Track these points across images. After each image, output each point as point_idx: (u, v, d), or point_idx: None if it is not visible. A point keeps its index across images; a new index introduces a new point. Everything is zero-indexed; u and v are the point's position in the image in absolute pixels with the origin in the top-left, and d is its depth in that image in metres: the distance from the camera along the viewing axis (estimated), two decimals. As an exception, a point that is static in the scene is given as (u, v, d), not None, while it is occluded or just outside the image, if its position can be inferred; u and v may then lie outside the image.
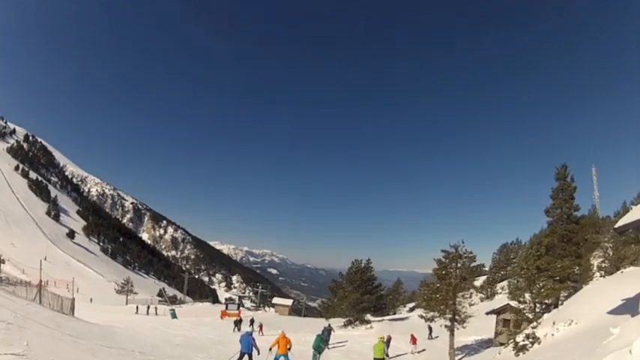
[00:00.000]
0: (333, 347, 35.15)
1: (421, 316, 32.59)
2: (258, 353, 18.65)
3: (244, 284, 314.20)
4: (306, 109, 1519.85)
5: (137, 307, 67.84)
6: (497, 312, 36.96)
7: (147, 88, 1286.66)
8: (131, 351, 18.74)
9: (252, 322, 46.90)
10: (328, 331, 35.84)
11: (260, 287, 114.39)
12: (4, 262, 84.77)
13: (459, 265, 30.75)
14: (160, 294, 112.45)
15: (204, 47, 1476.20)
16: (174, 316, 58.69)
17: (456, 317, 30.63)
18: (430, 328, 42.37)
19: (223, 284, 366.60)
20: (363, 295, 52.14)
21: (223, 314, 61.49)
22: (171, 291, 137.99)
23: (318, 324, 55.68)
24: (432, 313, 31.40)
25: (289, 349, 20.36)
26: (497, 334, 37.16)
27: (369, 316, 54.83)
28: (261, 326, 44.82)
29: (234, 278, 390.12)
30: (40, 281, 56.79)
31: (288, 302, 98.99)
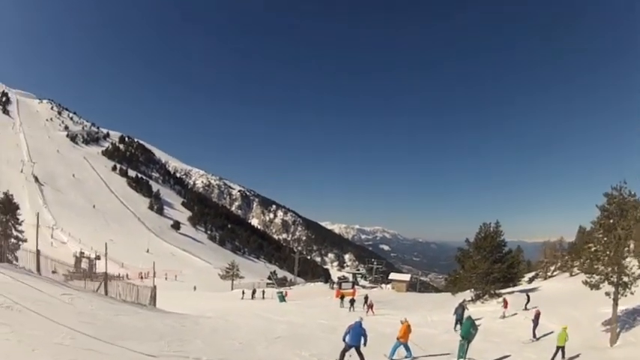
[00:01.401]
0: None
1: (585, 282, 25.06)
2: (365, 344, 15.74)
3: (357, 262, 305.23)
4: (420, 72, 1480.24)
5: (243, 292, 62.79)
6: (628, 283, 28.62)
7: (238, 70, 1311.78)
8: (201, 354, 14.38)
9: (365, 301, 42.63)
10: (462, 308, 29.97)
11: (375, 263, 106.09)
12: (99, 259, 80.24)
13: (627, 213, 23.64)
14: (270, 277, 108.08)
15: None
16: (282, 299, 54.17)
17: (624, 281, 23.64)
18: (528, 297, 36.99)
19: (336, 263, 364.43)
20: (493, 264, 44.57)
21: (338, 293, 55.48)
22: (282, 274, 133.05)
23: (442, 300, 50.50)
24: (597, 277, 24.20)
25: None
26: None
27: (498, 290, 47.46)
28: (371, 305, 40.14)
29: (347, 257, 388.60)
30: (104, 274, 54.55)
31: (406, 277, 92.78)
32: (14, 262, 30.22)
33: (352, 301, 43.24)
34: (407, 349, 18.20)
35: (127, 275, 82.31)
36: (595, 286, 24.48)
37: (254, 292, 62.89)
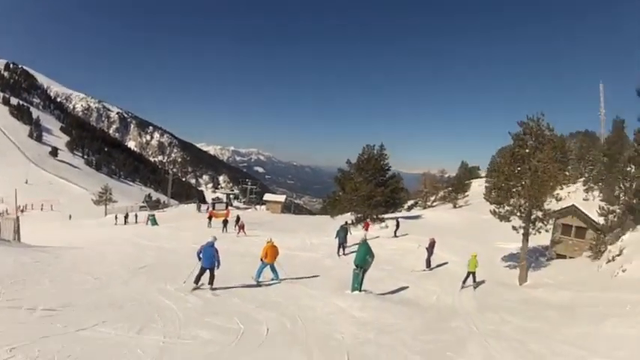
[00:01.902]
0: (352, 252, 26.74)
1: (494, 213, 24.78)
2: (218, 267, 15.20)
3: (232, 184, 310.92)
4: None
5: (116, 217, 60.43)
6: (556, 215, 28.09)
7: None
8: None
9: (236, 222, 41.27)
10: (345, 231, 28.61)
11: (249, 184, 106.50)
12: None
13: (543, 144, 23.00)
14: (147, 200, 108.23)
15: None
16: (154, 222, 51.79)
17: (537, 215, 23.47)
18: (397, 223, 37.03)
19: (210, 185, 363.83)
20: (376, 188, 44.00)
21: (211, 215, 53.76)
22: (158, 197, 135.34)
23: (320, 223, 50.00)
24: (508, 209, 23.89)
25: (275, 258, 17.83)
26: (553, 242, 30.21)
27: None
28: (242, 226, 39.08)
29: (221, 178, 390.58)
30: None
31: (281, 198, 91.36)
32: None
33: (225, 222, 42.60)
34: (273, 270, 17.73)
35: (7, 210, 77.74)
36: (505, 218, 23.83)
37: (126, 216, 60.06)
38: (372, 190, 43.45)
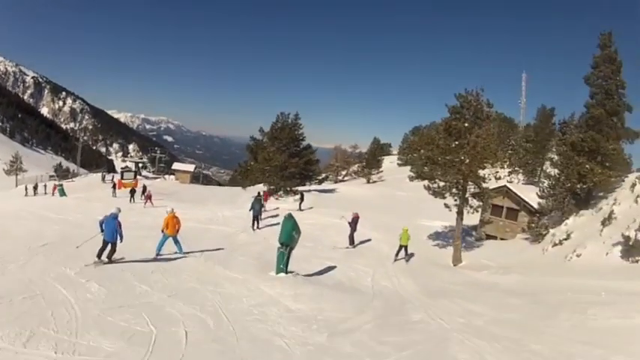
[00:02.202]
0: (266, 226, 26.05)
1: (428, 188, 23.65)
2: (121, 240, 14.13)
3: (141, 153, 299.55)
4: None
5: (26, 188, 56.22)
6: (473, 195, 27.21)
7: None
8: None
9: (142, 191, 41.92)
10: (260, 202, 27.25)
11: (158, 152, 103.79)
12: None
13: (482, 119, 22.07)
14: (57, 170, 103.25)
15: None
16: (62, 193, 47.78)
17: (472, 192, 22.85)
18: (302, 196, 37.08)
19: (120, 154, 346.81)
20: (290, 158, 42.81)
21: (119, 185, 53.29)
22: (67, 166, 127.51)
23: (231, 195, 48.16)
24: (443, 184, 22.80)
25: (178, 230, 16.60)
26: (483, 222, 29.89)
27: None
28: (149, 196, 38.63)
29: (131, 147, 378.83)
30: None
31: (190, 168, 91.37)
32: None
33: (132, 192, 41.48)
34: (176, 242, 16.53)
35: None
36: (439, 194, 22.65)
37: (36, 187, 56.07)
38: (285, 161, 42.13)
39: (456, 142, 21.79)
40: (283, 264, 14.07)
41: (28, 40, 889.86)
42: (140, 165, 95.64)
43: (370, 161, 76.60)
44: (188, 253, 16.59)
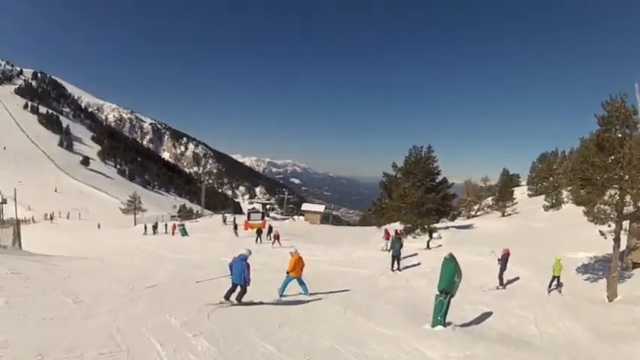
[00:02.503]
0: (406, 267, 23.70)
1: (587, 213, 20.03)
2: (248, 284, 12.82)
3: (268, 195, 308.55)
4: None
5: (145, 227, 55.94)
6: (631, 217, 23.41)
7: (149, 9, 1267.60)
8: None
9: (268, 231, 40.39)
10: (400, 241, 24.19)
11: (286, 193, 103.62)
12: (5, 202, 74.16)
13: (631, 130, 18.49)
14: (180, 210, 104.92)
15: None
16: (183, 232, 47.51)
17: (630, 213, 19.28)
18: (431, 233, 35.13)
19: (247, 196, 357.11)
20: (426, 194, 39.48)
21: (246, 226, 52.44)
22: (192, 207, 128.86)
23: (364, 234, 45.25)
24: (605, 208, 19.12)
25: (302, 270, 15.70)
26: (630, 249, 24.90)
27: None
28: (277, 236, 36.07)
29: (258, 190, 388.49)
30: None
31: (320, 208, 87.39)
32: None
33: (259, 232, 39.85)
34: (301, 283, 15.75)
35: (33, 218, 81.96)
36: (601, 220, 19.22)
37: (155, 226, 56.07)
38: (422, 197, 39.01)
39: (612, 157, 18.45)
40: (441, 315, 11.83)
41: (144, 89, 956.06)
42: (267, 206, 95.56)
43: (503, 193, 73.63)
44: (313, 294, 15.44)
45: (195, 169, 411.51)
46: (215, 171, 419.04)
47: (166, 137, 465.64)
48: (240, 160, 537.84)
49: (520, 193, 78.90)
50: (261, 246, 34.74)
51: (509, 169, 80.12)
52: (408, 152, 41.57)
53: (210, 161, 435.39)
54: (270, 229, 40.90)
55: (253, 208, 78.73)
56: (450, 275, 11.99)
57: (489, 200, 78.33)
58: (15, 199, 73.07)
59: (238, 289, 12.77)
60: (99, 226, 75.13)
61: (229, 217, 71.16)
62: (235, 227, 47.82)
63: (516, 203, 68.17)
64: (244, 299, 12.90)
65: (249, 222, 55.34)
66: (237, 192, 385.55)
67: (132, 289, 13.83)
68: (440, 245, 32.21)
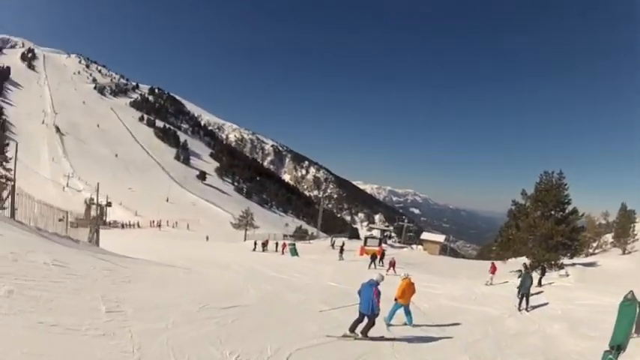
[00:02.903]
0: (533, 308, 20.12)
1: None
2: (377, 315, 10.97)
3: (387, 223, 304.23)
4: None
5: (255, 243, 54.11)
6: None
7: (273, 33, 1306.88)
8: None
9: (380, 257, 38.89)
10: (530, 277, 20.83)
11: (406, 221, 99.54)
12: (109, 205, 78.99)
13: None
14: (296, 231, 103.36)
15: None
16: (293, 252, 47.22)
17: None
18: (544, 270, 29.48)
19: (365, 223, 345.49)
20: (556, 225, 35.15)
21: (362, 251, 51.23)
22: (307, 229, 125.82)
23: (485, 268, 39.09)
24: None
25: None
26: None
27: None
28: (393, 263, 34.62)
29: (377, 217, 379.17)
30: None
31: (440, 238, 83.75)
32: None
33: (373, 258, 37.77)
34: (407, 313, 14.46)
35: (139, 223, 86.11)
36: None
37: (265, 243, 54.18)
38: (552, 228, 34.89)
39: None
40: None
41: (266, 112, 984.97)
42: (386, 233, 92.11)
43: (624, 229, 67.11)
44: (436, 338, 12.93)
45: (316, 192, 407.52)
46: (335, 196, 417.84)
47: (287, 160, 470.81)
48: (362, 186, 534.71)
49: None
50: (372, 271, 31.79)
51: (626, 204, 75.72)
52: (538, 178, 37.74)
53: (331, 186, 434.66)
54: (383, 254, 39.81)
55: (371, 235, 77.19)
56: (627, 324, 9.32)
57: (609, 237, 72.72)
58: (107, 203, 75.12)
59: (365, 320, 11.18)
60: (207, 238, 74.63)
61: (338, 240, 68.94)
62: (341, 251, 46.40)
63: (637, 240, 64.07)
64: (371, 334, 11.25)
65: (366, 247, 53.36)
66: (356, 218, 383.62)
67: (202, 306, 11.53)
68: (567, 283, 28.76)
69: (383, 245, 58.56)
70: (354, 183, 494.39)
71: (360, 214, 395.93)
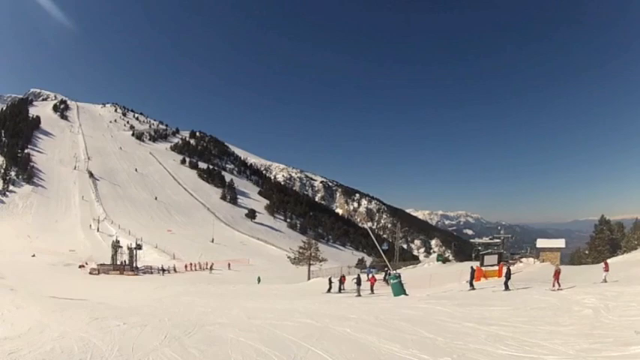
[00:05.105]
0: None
1: None
2: None
3: (443, 248, 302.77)
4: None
5: (330, 281, 37.24)
6: None
7: (314, 66, 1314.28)
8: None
9: (508, 275, 27.27)
10: None
11: (502, 232, 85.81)
12: (139, 248, 74.60)
13: None
14: (358, 263, 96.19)
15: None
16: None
17: None
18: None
19: (422, 250, 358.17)
20: None
21: (479, 274, 34.79)
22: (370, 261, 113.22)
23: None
24: None
25: None
26: None
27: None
28: (557, 273, 24.97)
29: (433, 242, 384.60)
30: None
31: (559, 243, 68.56)
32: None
33: (508, 276, 27.13)
34: None
35: (175, 267, 75.22)
36: None
37: (342, 279, 37.38)
38: None
39: None
40: None
41: (314, 151, 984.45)
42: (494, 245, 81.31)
43: None
44: None
45: (370, 224, 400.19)
46: (389, 225, 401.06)
47: (338, 194, 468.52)
48: (414, 214, 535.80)
49: None
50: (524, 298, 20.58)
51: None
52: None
53: (385, 216, 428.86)
54: (509, 274, 27.21)
55: (486, 247, 58.63)
56: None
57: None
58: (137, 245, 72.95)
59: None
60: (259, 279, 59.20)
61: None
62: (359, 282, 32.18)
63: None
64: None
65: (483, 269, 39.30)
66: (413, 245, 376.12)
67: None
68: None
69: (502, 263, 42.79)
70: (407, 211, 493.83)
71: (416, 241, 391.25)
